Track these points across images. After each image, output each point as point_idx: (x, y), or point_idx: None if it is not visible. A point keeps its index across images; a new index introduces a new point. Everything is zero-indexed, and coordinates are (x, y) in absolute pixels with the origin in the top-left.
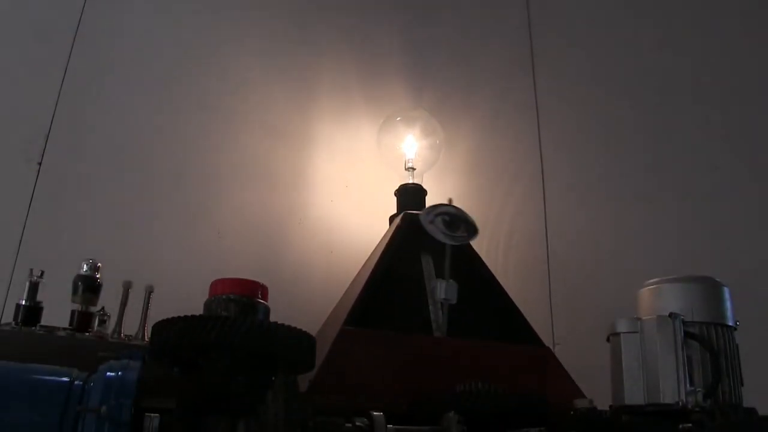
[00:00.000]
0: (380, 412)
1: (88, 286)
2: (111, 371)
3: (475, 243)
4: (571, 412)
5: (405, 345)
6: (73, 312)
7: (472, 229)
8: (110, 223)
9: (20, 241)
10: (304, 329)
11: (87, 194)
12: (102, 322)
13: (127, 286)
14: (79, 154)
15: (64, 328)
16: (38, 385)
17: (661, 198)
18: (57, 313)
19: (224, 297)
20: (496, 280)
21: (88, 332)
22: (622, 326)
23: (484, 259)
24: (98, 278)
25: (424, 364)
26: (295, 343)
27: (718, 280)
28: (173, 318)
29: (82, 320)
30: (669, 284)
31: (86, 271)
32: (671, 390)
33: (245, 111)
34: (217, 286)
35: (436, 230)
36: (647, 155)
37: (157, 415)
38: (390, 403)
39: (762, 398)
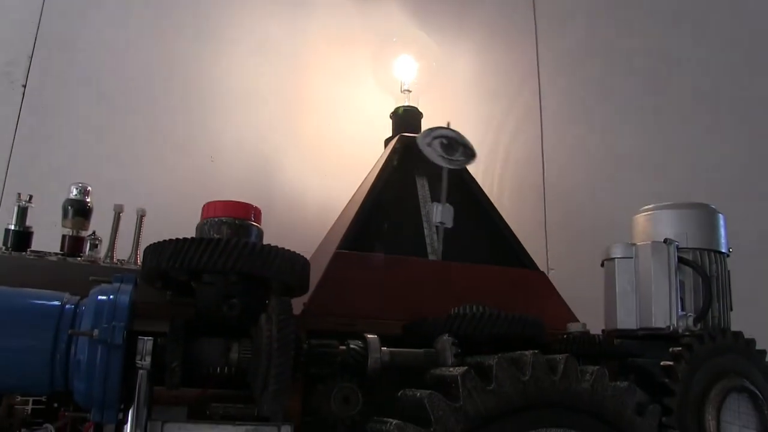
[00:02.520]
0: (374, 335)
1: (78, 210)
2: (103, 295)
3: (471, 167)
4: (565, 336)
5: (400, 268)
6: (63, 237)
7: (469, 153)
8: (100, 147)
9: (8, 165)
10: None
11: (74, 117)
12: (93, 247)
13: (118, 210)
14: (65, 76)
15: (55, 253)
16: (29, 309)
17: (660, 124)
18: (47, 238)
19: (216, 220)
20: (492, 205)
21: (80, 257)
22: (616, 251)
23: (479, 183)
24: (88, 202)
25: (419, 287)
26: (288, 265)
27: (713, 207)
28: (165, 241)
29: (73, 245)
30: (664, 210)
31: (76, 195)
32: (663, 315)
33: (238, 33)
34: (209, 209)
35: (434, 153)
36: (647, 80)
37: (150, 338)
38: (384, 326)
39: (749, 323)
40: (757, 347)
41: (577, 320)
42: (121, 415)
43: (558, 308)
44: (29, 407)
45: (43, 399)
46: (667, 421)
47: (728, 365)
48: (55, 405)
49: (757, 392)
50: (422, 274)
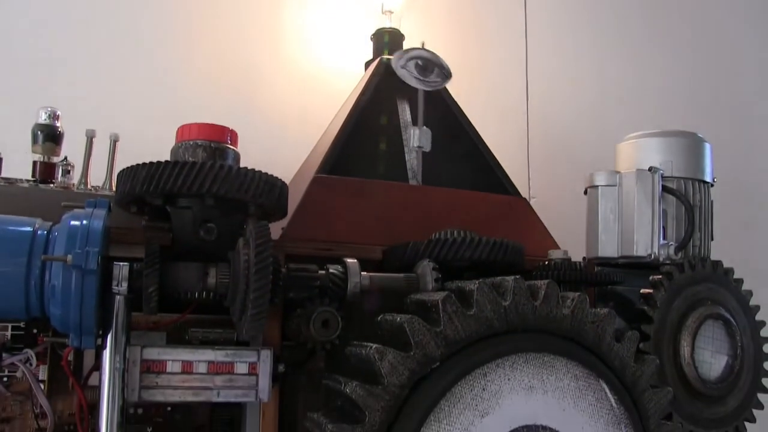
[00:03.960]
0: (354, 259)
1: (48, 135)
2: (75, 220)
3: (454, 91)
4: (546, 262)
5: (379, 192)
6: (34, 163)
7: (445, 74)
8: (69, 69)
9: None
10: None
11: (41, 36)
12: (66, 173)
13: (90, 135)
14: None
15: (27, 180)
16: (1, 236)
17: (646, 51)
18: (17, 164)
19: (191, 143)
20: (475, 130)
21: (52, 183)
22: (600, 179)
23: (462, 108)
24: (59, 127)
25: (399, 211)
26: (266, 188)
27: (700, 135)
28: (138, 165)
29: (44, 171)
30: (650, 138)
31: (45, 119)
32: (645, 243)
33: None
34: (184, 131)
35: (408, 75)
36: (637, 6)
37: (126, 263)
38: (364, 250)
39: (729, 251)
40: (735, 276)
41: (558, 247)
42: (99, 341)
43: (539, 235)
44: (9, 333)
45: (22, 325)
46: (644, 347)
47: (705, 294)
48: (35, 331)
49: (732, 319)
50: (403, 199)
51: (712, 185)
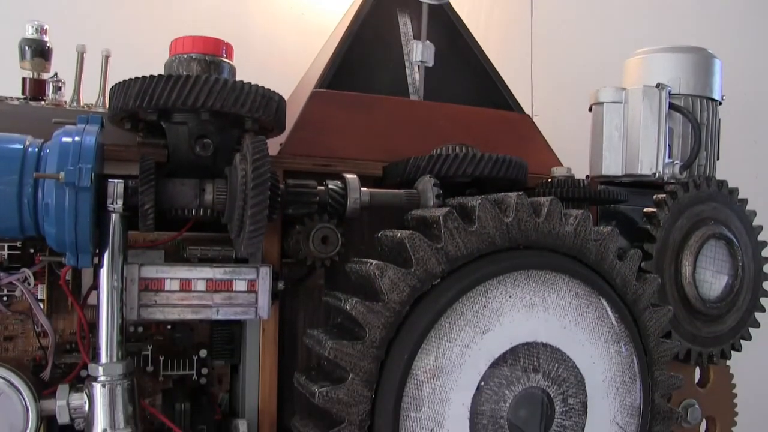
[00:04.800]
0: (354, 175)
1: (37, 50)
2: (67, 136)
3: (456, 5)
4: (549, 180)
5: (380, 108)
6: (24, 79)
7: None
8: None
9: None
10: None
11: None
12: (57, 90)
13: (80, 51)
14: None
15: (17, 98)
16: None
17: None
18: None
19: (185, 56)
20: (478, 45)
21: (43, 101)
22: (605, 96)
23: (465, 21)
24: (47, 42)
25: (400, 127)
26: (263, 102)
27: (710, 51)
28: (131, 79)
29: (34, 88)
30: (659, 54)
31: (32, 34)
32: (649, 161)
33: None
34: (178, 44)
35: None
36: None
37: (121, 180)
38: (364, 166)
39: (734, 170)
40: (740, 196)
41: (562, 165)
42: (96, 260)
43: (542, 152)
44: (5, 253)
45: (18, 244)
46: (646, 265)
47: (709, 213)
48: (31, 250)
49: (734, 239)
50: (404, 115)
51: (720, 103)
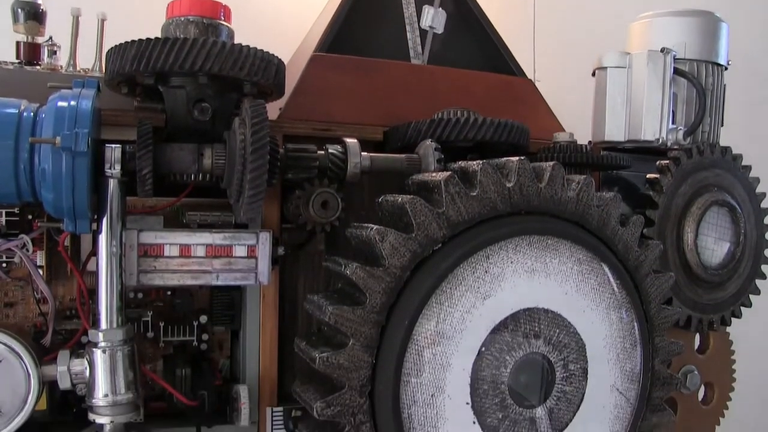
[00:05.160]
0: (354, 139)
1: (30, 13)
2: (62, 101)
3: None
4: (551, 145)
5: (380, 71)
6: (18, 43)
7: None
8: None
9: None
10: None
11: None
12: (52, 54)
13: (75, 14)
14: None
15: (11, 62)
16: None
17: None
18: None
19: (183, 19)
20: (480, 7)
21: (38, 65)
22: (609, 60)
23: None
24: (40, 4)
25: (401, 91)
26: (262, 65)
27: (717, 15)
28: (128, 42)
29: (29, 52)
30: (664, 18)
31: None
32: (653, 127)
33: None
34: (174, 7)
35: None
36: None
37: (118, 145)
38: (364, 131)
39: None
40: (744, 163)
41: (564, 130)
42: (95, 226)
43: (544, 118)
44: (3, 219)
45: (16, 211)
46: (648, 232)
47: (712, 180)
48: (30, 217)
49: (737, 206)
50: (405, 79)
51: (726, 68)
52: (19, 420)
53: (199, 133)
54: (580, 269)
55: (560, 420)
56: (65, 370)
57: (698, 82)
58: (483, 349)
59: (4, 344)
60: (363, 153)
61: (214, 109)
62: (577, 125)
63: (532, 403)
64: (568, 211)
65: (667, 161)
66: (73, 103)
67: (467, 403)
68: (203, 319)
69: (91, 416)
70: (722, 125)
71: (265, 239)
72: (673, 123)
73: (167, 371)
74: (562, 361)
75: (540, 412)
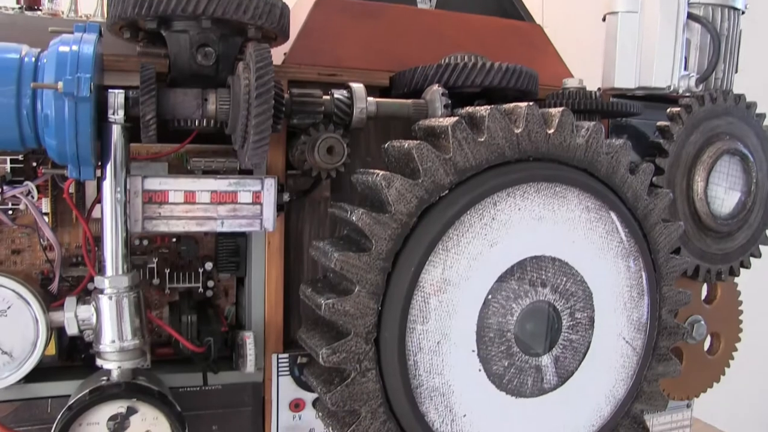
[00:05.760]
0: (360, 84)
1: None
2: (64, 45)
3: None
4: (560, 91)
5: (387, 16)
6: None
7: None
8: None
9: None
10: None
11: None
12: None
13: None
14: None
15: (11, 7)
16: None
17: None
18: None
19: None
20: None
21: (39, 10)
22: (620, 4)
23: None
24: None
25: (407, 36)
26: (266, 9)
27: None
28: None
29: None
30: None
31: None
32: (664, 73)
33: None
34: None
35: None
36: None
37: (121, 91)
38: (371, 76)
39: (754, 84)
40: (758, 111)
41: (573, 76)
42: (99, 172)
43: (553, 63)
44: (8, 166)
45: (20, 158)
46: (658, 180)
47: (725, 128)
48: (34, 164)
49: (749, 155)
50: (411, 23)
51: (743, 12)
52: (29, 364)
53: (202, 79)
54: (588, 217)
55: (566, 368)
56: (72, 316)
57: (713, 27)
58: (489, 296)
59: (13, 290)
60: (369, 98)
61: (217, 53)
62: (586, 71)
63: (537, 351)
64: (577, 158)
65: (679, 108)
66: (74, 47)
67: (473, 351)
68: (208, 265)
69: (99, 362)
70: (736, 72)
71: (270, 185)
72: (685, 69)
73: (173, 318)
74: (569, 309)
75: (546, 360)
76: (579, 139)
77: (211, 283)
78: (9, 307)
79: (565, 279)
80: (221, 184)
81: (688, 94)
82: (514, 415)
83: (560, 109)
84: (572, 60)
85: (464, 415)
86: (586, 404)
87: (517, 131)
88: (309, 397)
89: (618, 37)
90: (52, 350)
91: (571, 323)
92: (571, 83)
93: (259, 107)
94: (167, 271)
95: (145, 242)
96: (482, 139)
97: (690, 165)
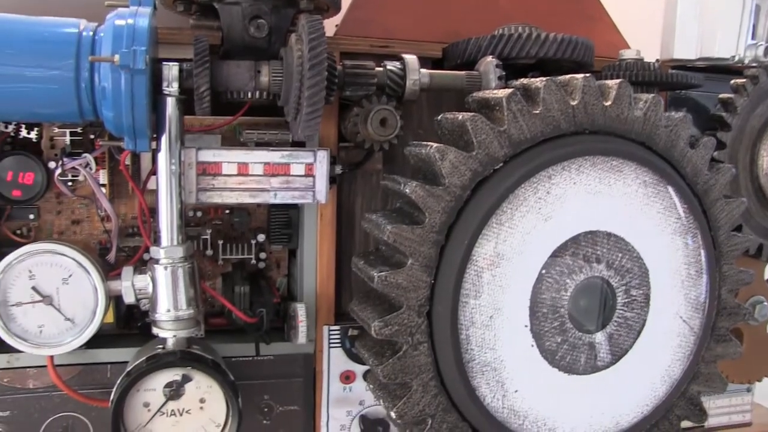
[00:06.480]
0: (413, 55)
1: None
2: (120, 19)
3: None
4: (617, 62)
5: None
6: None
7: None
8: None
9: None
10: None
11: None
12: None
13: None
14: None
15: None
16: (46, 37)
17: None
18: None
19: None
20: None
21: None
22: None
23: None
24: None
25: (460, 6)
26: None
27: None
28: None
29: None
30: None
31: None
32: (729, 42)
33: None
34: None
35: None
36: None
37: (175, 63)
38: (423, 47)
39: None
40: None
41: (630, 47)
42: (154, 144)
43: (610, 33)
44: (67, 138)
45: (79, 130)
46: (719, 155)
47: None
48: (92, 136)
49: None
50: None
51: None
52: (90, 331)
53: (255, 51)
54: (645, 192)
55: (620, 346)
56: (129, 285)
57: None
58: (543, 271)
59: (74, 259)
60: (422, 70)
61: (270, 25)
62: (644, 41)
63: (591, 328)
64: (635, 131)
65: (744, 80)
66: (130, 21)
67: (526, 326)
68: (261, 237)
69: (155, 330)
70: None
71: (322, 157)
72: (752, 38)
73: (226, 288)
74: (624, 286)
75: (600, 337)
76: (637, 111)
77: (263, 255)
78: (70, 276)
79: (620, 255)
80: (274, 156)
81: (754, 65)
82: (566, 392)
83: (618, 80)
84: (629, 30)
85: (516, 391)
86: (640, 383)
87: (573, 103)
88: (359, 369)
89: (678, 4)
90: (110, 318)
91: (626, 300)
92: (628, 54)
93: (312, 79)
94: (220, 242)
95: (199, 214)
96: (537, 111)
97: (754, 139)
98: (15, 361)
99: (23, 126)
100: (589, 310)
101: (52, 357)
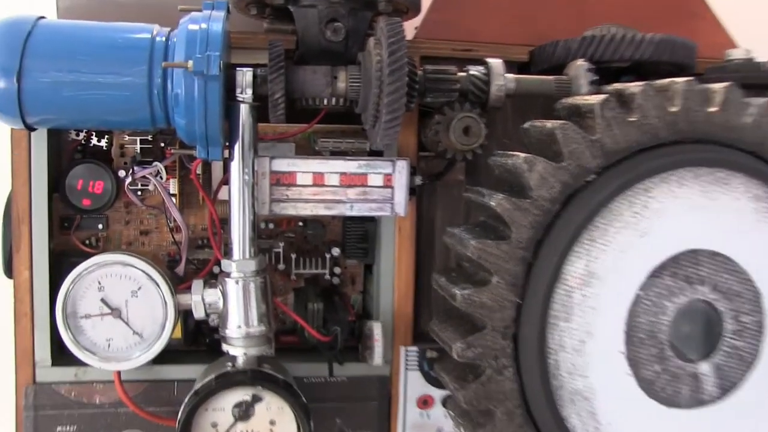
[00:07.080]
0: (498, 59)
1: None
2: (193, 24)
3: None
4: (723, 64)
5: None
6: None
7: None
8: None
9: None
10: None
11: None
12: None
13: None
14: None
15: None
16: (120, 43)
17: None
18: None
19: None
20: None
21: None
22: None
23: None
24: None
25: (548, 6)
26: None
27: None
28: None
29: None
30: None
31: None
32: None
33: None
34: None
35: None
36: None
37: (249, 69)
38: (508, 51)
39: None
40: None
41: (737, 46)
42: (226, 153)
43: (714, 32)
44: (138, 147)
45: (150, 138)
46: None
47: None
48: (162, 144)
49: None
50: None
51: None
52: (158, 345)
53: (331, 55)
54: (756, 207)
55: (729, 379)
56: (199, 299)
57: None
58: (639, 293)
59: (143, 271)
60: (507, 74)
61: (347, 29)
62: (754, 39)
63: (695, 356)
64: (744, 139)
65: None
66: (203, 25)
67: (621, 353)
68: (336, 251)
69: (225, 347)
70: None
71: (402, 168)
72: None
73: (298, 305)
74: (733, 312)
75: (705, 367)
76: (747, 118)
77: (338, 270)
78: (139, 288)
79: (727, 276)
80: (351, 166)
81: None
82: (666, 427)
83: (725, 84)
84: (737, 27)
85: (609, 423)
86: (753, 422)
87: (673, 110)
88: (438, 394)
89: None
90: (178, 333)
91: (737, 328)
92: (736, 54)
93: (391, 85)
94: (293, 256)
95: (271, 225)
96: (633, 119)
97: None
98: (82, 375)
99: (94, 134)
100: (692, 336)
101: (119, 372)
